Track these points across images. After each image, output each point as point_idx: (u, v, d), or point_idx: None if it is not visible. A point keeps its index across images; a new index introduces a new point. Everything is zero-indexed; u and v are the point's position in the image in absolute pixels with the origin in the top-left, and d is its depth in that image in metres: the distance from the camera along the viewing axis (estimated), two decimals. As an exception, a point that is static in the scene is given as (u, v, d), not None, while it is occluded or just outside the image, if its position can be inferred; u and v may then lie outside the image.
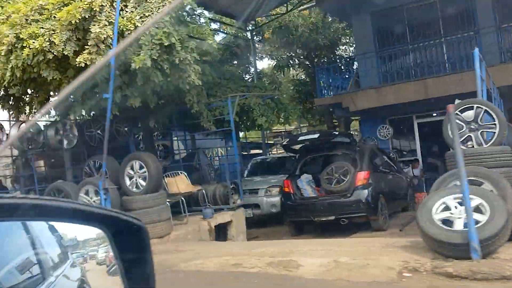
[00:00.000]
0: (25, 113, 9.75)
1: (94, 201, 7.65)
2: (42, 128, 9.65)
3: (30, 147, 9.18)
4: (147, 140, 12.26)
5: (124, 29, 7.28)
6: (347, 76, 18.12)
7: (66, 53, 6.99)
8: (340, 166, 9.70)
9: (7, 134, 9.04)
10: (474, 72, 13.07)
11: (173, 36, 7.71)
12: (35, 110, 10.01)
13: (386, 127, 15.55)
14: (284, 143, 10.48)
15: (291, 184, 9.85)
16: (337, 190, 9.39)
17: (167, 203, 8.20)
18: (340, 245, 5.90)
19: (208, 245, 7.63)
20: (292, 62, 20.84)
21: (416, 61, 15.61)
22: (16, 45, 7.26)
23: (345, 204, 9.10)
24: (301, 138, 9.70)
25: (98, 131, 10.56)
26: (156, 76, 8.34)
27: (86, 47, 7.03)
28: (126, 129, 11.33)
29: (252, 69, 19.02)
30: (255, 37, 19.16)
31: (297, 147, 10.18)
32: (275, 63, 22.25)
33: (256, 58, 19.84)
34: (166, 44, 7.49)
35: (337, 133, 9.59)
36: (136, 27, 7.36)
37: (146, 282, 1.09)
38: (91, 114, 8.49)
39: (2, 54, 7.38)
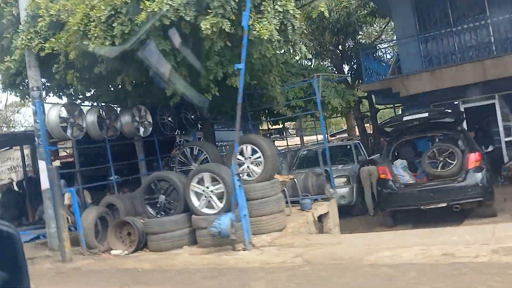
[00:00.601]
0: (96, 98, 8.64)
1: (211, 191, 6.63)
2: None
3: (107, 135, 8.05)
4: (207, 129, 11.26)
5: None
6: (387, 63, 17.54)
7: (188, 19, 5.95)
8: (443, 148, 8.93)
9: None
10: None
11: (291, 1, 6.77)
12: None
13: (435, 113, 14.87)
14: (381, 124, 9.63)
15: (388, 170, 9.03)
16: (445, 174, 8.62)
17: (282, 193, 7.27)
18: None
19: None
20: (320, 50, 20.03)
21: (461, 43, 15.03)
22: (120, 10, 6.19)
23: (459, 189, 8.32)
24: (406, 118, 8.85)
25: (169, 118, 9.53)
26: (268, 49, 7.40)
27: (209, 10, 6.00)
28: (193, 117, 10.28)
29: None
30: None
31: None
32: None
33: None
34: (290, 10, 6.55)
35: (449, 111, 8.82)
36: (261, -14, 6.37)
37: None
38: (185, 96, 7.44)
39: (103, 20, 6.28)
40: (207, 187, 6.65)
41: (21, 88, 8.29)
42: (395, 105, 20.99)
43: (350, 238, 6.55)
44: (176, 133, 11.23)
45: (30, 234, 9.38)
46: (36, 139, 7.56)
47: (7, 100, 30.29)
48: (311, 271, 4.70)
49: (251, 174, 7.15)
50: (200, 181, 6.71)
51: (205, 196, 6.68)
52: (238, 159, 7.34)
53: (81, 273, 5.89)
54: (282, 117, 10.87)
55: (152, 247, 6.85)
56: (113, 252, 6.95)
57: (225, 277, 4.86)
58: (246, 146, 7.17)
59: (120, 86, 8.51)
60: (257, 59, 7.75)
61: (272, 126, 16.49)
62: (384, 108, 21.78)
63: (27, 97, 8.70)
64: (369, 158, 12.55)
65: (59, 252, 7.34)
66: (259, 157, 7.08)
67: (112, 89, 8.60)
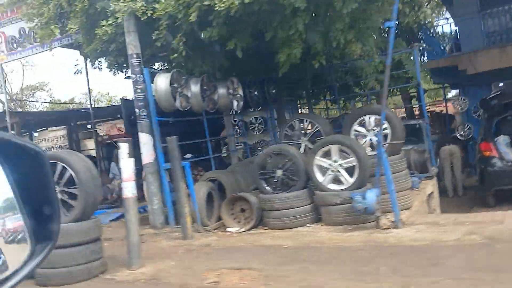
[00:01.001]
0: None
1: (340, 165, 6.10)
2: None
3: (209, 106, 7.52)
4: (280, 108, 10.78)
5: None
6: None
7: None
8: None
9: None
10: None
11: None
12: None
13: (498, 92, 14.22)
14: (488, 97, 9.05)
15: (493, 147, 8.47)
16: (559, 151, 8.07)
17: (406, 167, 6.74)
18: None
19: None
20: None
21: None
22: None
23: None
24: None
25: (256, 92, 9.00)
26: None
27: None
28: (274, 91, 9.73)
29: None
30: None
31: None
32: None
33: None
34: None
35: None
36: None
37: (51, 213, 1.01)
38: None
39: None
40: (335, 161, 6.12)
41: (113, 56, 7.75)
42: (444, 85, 20.31)
43: (505, 216, 5.97)
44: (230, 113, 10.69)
45: (112, 212, 9.00)
46: (136, 110, 7.05)
47: (22, 83, 29.90)
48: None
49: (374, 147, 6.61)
50: (327, 154, 6.18)
51: (332, 171, 6.16)
52: (358, 131, 6.83)
53: (217, 250, 5.41)
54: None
55: (271, 224, 6.35)
56: (229, 229, 6.48)
57: (405, 255, 4.35)
58: (369, 117, 6.62)
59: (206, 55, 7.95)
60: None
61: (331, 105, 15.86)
62: (432, 89, 21.05)
63: (116, 66, 8.20)
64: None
65: (163, 229, 6.92)
66: (386, 129, 6.54)
67: (206, 59, 8.03)
